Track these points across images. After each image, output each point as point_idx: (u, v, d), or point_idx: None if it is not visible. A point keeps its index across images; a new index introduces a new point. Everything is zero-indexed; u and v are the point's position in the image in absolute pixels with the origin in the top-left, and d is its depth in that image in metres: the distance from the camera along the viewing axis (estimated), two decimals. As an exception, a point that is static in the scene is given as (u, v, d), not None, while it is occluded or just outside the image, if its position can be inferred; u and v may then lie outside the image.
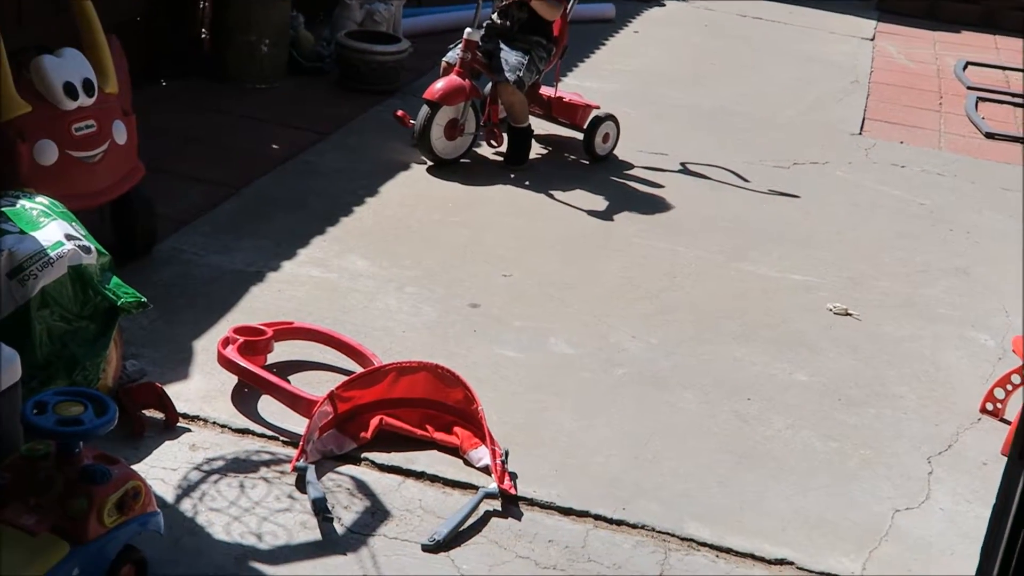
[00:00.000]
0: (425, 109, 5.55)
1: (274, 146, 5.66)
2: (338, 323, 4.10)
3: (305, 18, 6.87)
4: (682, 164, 6.14)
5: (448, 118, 5.60)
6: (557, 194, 5.56)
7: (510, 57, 5.66)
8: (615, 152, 6.12)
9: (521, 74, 5.64)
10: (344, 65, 6.57)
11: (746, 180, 6.04)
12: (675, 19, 9.32)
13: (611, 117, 6.01)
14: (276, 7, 6.39)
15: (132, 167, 4.27)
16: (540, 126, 6.21)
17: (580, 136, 6.04)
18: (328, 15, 7.15)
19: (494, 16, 5.82)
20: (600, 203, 5.54)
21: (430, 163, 5.64)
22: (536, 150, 6.06)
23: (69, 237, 3.41)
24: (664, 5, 9.64)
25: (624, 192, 5.72)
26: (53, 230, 3.41)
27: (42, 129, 3.92)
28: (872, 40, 9.30)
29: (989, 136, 7.23)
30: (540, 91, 6.07)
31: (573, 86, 7.17)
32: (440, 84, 5.57)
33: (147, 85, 5.90)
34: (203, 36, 6.62)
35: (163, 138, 5.38)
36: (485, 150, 5.98)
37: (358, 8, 6.98)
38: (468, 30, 5.60)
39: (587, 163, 6.00)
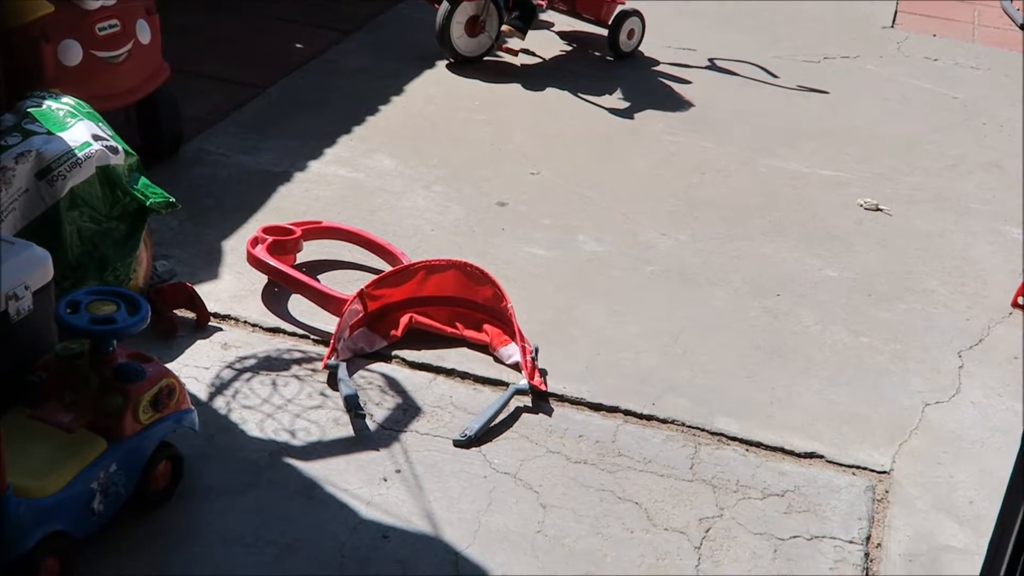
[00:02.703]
0: (445, 5, 5.48)
1: (298, 45, 5.61)
2: (366, 222, 4.10)
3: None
4: (710, 60, 6.06)
5: (468, 14, 5.52)
6: (583, 92, 5.50)
7: None
8: (641, 49, 6.04)
9: None
10: (367, -38, 6.47)
11: (775, 75, 5.95)
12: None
13: (636, 12, 5.91)
14: (297, -97, 6.30)
15: (157, 67, 4.24)
16: (563, 22, 6.13)
17: (604, 32, 5.94)
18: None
19: None
20: (627, 101, 5.47)
21: (453, 60, 5.58)
22: (560, 47, 5.97)
23: (96, 137, 3.40)
24: None
25: (651, 89, 5.65)
26: (80, 130, 3.40)
27: (66, 29, 3.89)
28: (905, -70, 9.09)
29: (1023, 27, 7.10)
30: None
31: (599, -19, 7.06)
32: None
33: (169, -16, 5.84)
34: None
35: (186, 38, 5.34)
36: (521, 47, 5.91)
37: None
38: None
39: (612, 60, 5.91)
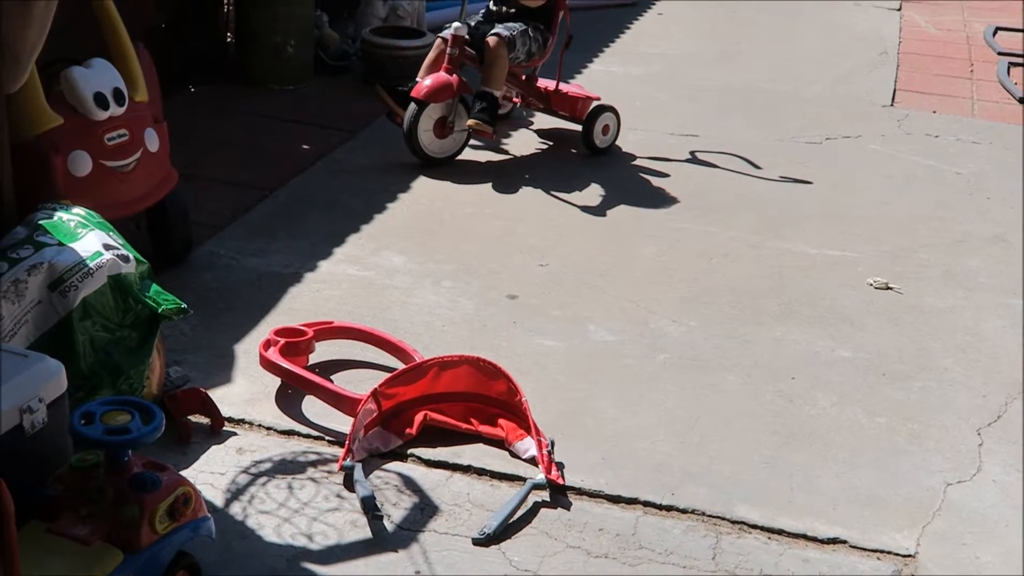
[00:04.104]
0: (412, 107, 5.43)
1: (304, 146, 5.67)
2: (377, 320, 4.11)
3: (329, 17, 6.87)
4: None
5: (436, 116, 5.51)
6: (587, 182, 5.54)
7: (503, 27, 5.58)
8: (640, 136, 6.09)
9: (514, 35, 5.52)
10: (370, 62, 6.56)
11: (778, 157, 6.00)
12: (698, -1, 9.26)
13: (611, 108, 5.88)
14: (300, 7, 6.40)
15: (166, 174, 4.28)
16: (543, 121, 6.16)
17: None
18: (352, 13, 7.15)
19: (491, 3, 5.78)
20: (631, 188, 5.51)
21: (422, 163, 5.53)
22: (536, 144, 5.99)
23: (107, 247, 3.43)
24: (687, -15, 9.57)
25: (654, 175, 5.69)
26: (91, 240, 3.43)
27: (75, 140, 3.94)
28: (899, 10, 9.21)
29: (1022, 101, 7.14)
30: (538, 84, 5.96)
31: (599, 71, 7.16)
32: (427, 81, 5.46)
33: (176, 91, 5.92)
34: (228, 39, 6.64)
35: (194, 143, 5.40)
36: (510, 144, 5.97)
37: (381, 4, 6.97)
38: (455, 24, 5.50)
39: (604, 154, 5.88)
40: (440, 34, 5.66)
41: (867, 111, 6.84)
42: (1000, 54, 8.06)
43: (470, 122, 5.46)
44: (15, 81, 1.61)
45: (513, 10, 5.69)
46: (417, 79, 5.63)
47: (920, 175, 5.93)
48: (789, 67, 7.58)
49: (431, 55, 5.68)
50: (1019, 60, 7.94)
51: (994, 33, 8.56)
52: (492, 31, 5.53)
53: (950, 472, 3.54)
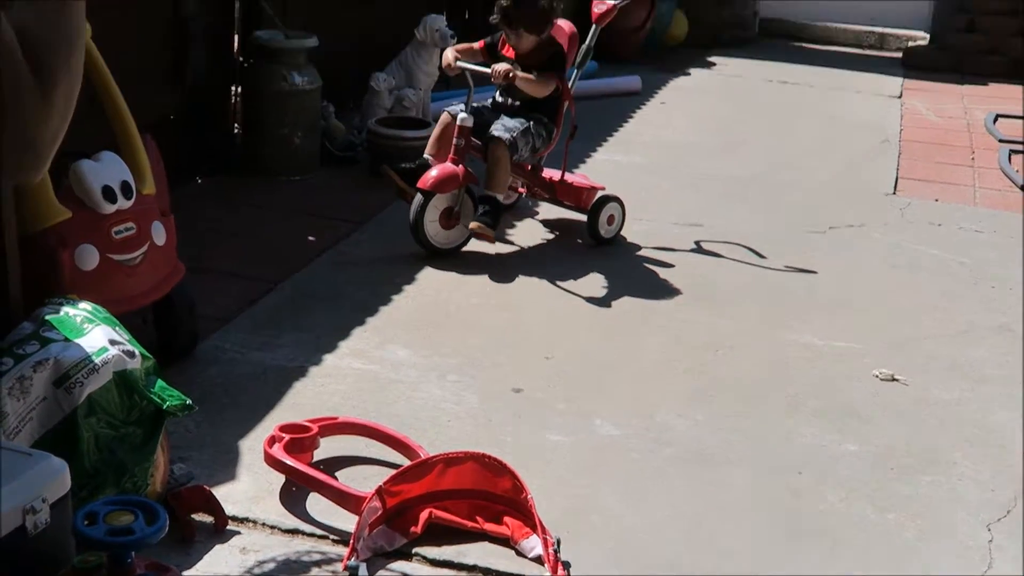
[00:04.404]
0: (418, 198, 5.47)
1: (310, 238, 5.70)
2: (382, 415, 4.09)
3: (335, 107, 6.95)
4: (716, 234, 6.13)
5: (443, 206, 5.56)
6: (592, 273, 5.55)
7: (507, 122, 5.66)
8: (647, 226, 6.12)
9: (515, 136, 5.58)
10: (376, 152, 6.62)
11: (783, 246, 6.02)
12: (701, 87, 9.36)
13: (616, 198, 5.92)
14: (307, 99, 6.47)
15: (172, 267, 4.29)
16: (548, 211, 6.20)
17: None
18: (357, 103, 7.23)
19: (497, 95, 5.85)
20: (636, 279, 5.53)
21: (427, 254, 5.55)
22: (542, 234, 6.03)
23: (113, 342, 3.43)
24: (689, 74, 9.69)
25: (660, 266, 5.71)
26: (97, 336, 3.43)
27: (82, 234, 3.95)
28: (899, 98, 9.31)
29: (1024, 189, 7.20)
30: (543, 174, 6.01)
31: (602, 160, 7.22)
32: (433, 172, 5.50)
33: (183, 183, 5.97)
34: (235, 131, 6.71)
35: (201, 235, 5.43)
36: (515, 235, 6.00)
37: (387, 94, 7.05)
38: (462, 115, 5.57)
39: (608, 245, 5.91)
40: (447, 108, 5.72)
41: (870, 200, 6.88)
42: (1001, 141, 8.13)
43: (472, 225, 5.49)
44: (36, 172, 1.64)
45: (519, 102, 5.75)
46: (425, 154, 5.69)
47: (924, 264, 5.95)
48: (792, 156, 7.64)
49: (437, 130, 5.76)
50: (1020, 147, 8.00)
51: (995, 120, 8.65)
52: (495, 133, 5.58)
53: (961, 569, 3.50)
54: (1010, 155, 7.82)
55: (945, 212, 6.74)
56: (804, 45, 10.91)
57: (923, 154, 7.86)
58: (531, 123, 5.68)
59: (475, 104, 5.70)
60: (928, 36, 10.61)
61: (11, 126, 1.65)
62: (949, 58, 10.20)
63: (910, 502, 3.84)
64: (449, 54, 5.77)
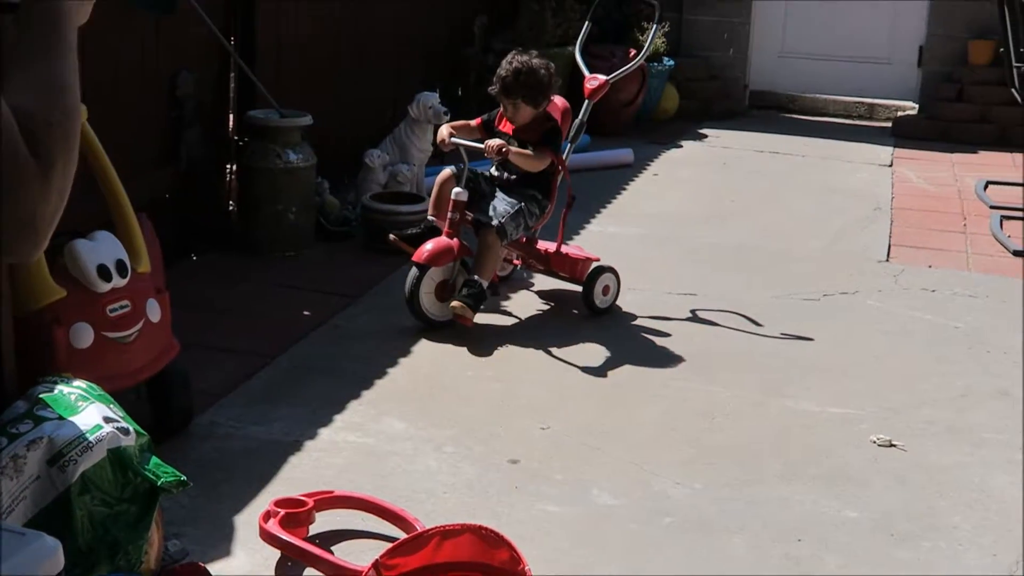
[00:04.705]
0: (413, 271, 5.49)
1: (305, 313, 5.71)
2: (378, 488, 4.07)
3: (330, 183, 6.99)
4: (711, 303, 6.14)
5: (438, 279, 5.57)
6: (588, 343, 5.56)
7: (499, 204, 5.69)
8: (639, 296, 6.13)
9: (504, 222, 5.61)
10: (370, 227, 6.65)
11: (777, 314, 6.03)
12: (693, 159, 9.43)
13: (611, 269, 5.95)
14: (301, 176, 6.51)
15: (167, 344, 4.30)
16: (543, 283, 6.22)
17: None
18: (352, 179, 7.28)
19: (493, 168, 5.89)
20: (632, 348, 5.53)
21: (424, 326, 5.55)
22: (537, 305, 6.04)
23: (107, 419, 3.42)
24: (681, 146, 9.77)
25: (656, 335, 5.72)
26: (91, 413, 3.42)
27: (77, 313, 3.97)
28: (890, 166, 9.37)
29: (1017, 254, 7.22)
30: (538, 246, 6.03)
31: (595, 232, 7.26)
32: (429, 245, 5.53)
33: (178, 261, 5.99)
34: (231, 208, 6.75)
35: (196, 312, 5.43)
36: (511, 306, 6.01)
37: (381, 170, 7.10)
38: (456, 190, 5.61)
39: (605, 314, 5.91)
40: (447, 166, 5.77)
41: (863, 267, 6.91)
42: (992, 208, 8.17)
43: (454, 304, 5.46)
44: (35, 251, 1.64)
45: (514, 176, 5.79)
46: (428, 215, 5.76)
47: (919, 330, 5.95)
48: (784, 225, 7.68)
49: (436, 188, 5.81)
50: (1012, 213, 8.04)
51: (985, 187, 8.70)
52: (484, 220, 5.61)
53: (964, 636, 3.47)
54: (1002, 221, 7.86)
55: (939, 278, 6.76)
56: (794, 116, 10.99)
57: (915, 221, 7.91)
58: (523, 203, 5.71)
59: (475, 171, 5.74)
60: (917, 106, 10.71)
61: (9, 205, 1.66)
62: (938, 127, 10.28)
63: (911, 568, 3.81)
64: (444, 130, 5.82)
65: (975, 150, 9.96)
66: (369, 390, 4.90)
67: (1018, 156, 9.75)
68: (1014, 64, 7.93)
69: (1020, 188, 8.75)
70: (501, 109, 5.82)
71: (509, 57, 5.76)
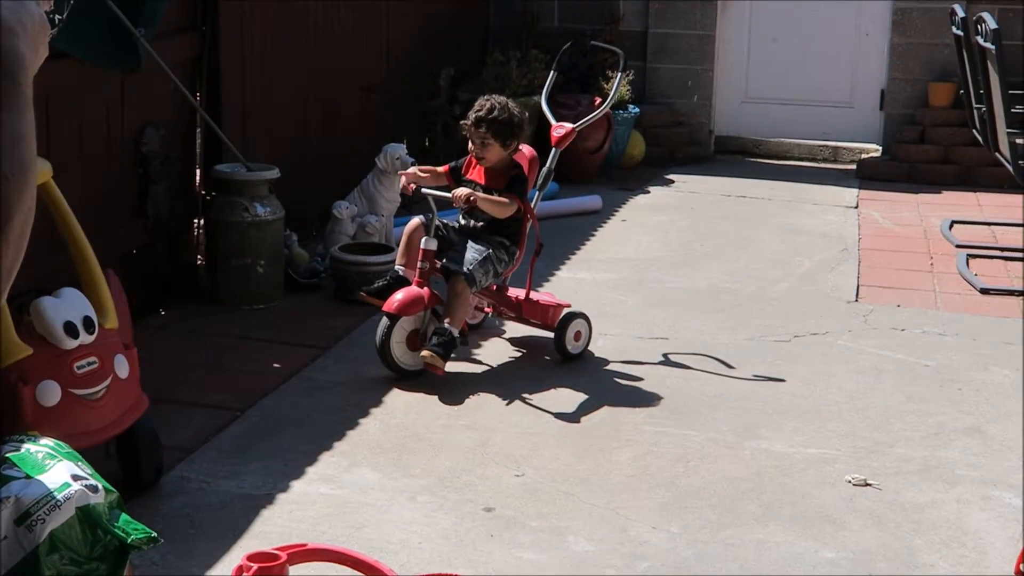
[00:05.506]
0: (384, 321, 5.47)
1: (275, 365, 5.67)
2: (352, 540, 4.03)
3: (298, 235, 6.98)
4: (682, 346, 6.14)
5: (409, 328, 5.56)
6: (561, 389, 5.55)
7: (468, 252, 5.69)
8: (611, 342, 6.13)
9: (473, 269, 5.61)
10: (339, 278, 6.64)
11: (749, 356, 6.03)
12: (661, 204, 9.47)
13: (582, 315, 5.96)
14: (269, 229, 6.49)
15: (135, 400, 4.26)
16: (515, 330, 6.22)
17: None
18: (320, 230, 7.27)
19: (460, 217, 5.89)
20: (605, 394, 5.52)
21: (395, 376, 5.53)
22: (509, 352, 6.03)
23: (76, 477, 3.36)
24: (649, 192, 9.81)
25: (628, 379, 5.71)
26: (59, 471, 3.36)
27: (44, 370, 3.93)
28: (856, 208, 9.44)
29: (984, 292, 7.27)
30: (508, 293, 6.03)
31: (566, 278, 7.26)
32: (399, 295, 5.52)
33: (147, 316, 5.95)
34: (198, 263, 6.72)
35: (165, 367, 5.39)
36: (482, 354, 6.00)
37: (350, 222, 7.10)
38: (425, 239, 5.61)
39: (576, 360, 5.91)
40: (416, 216, 5.76)
41: (832, 308, 6.93)
42: (959, 247, 8.24)
43: (424, 354, 5.42)
44: (-11, 305, 1.62)
45: (481, 223, 5.79)
46: (396, 265, 5.75)
47: (890, 369, 5.97)
48: (753, 268, 7.71)
49: (404, 237, 5.81)
50: (977, 252, 8.11)
51: (950, 227, 8.77)
52: (453, 268, 5.61)
53: (946, 674, 3.45)
54: (968, 259, 7.92)
55: (908, 317, 6.79)
56: (760, 160, 11.08)
57: (883, 261, 7.95)
58: (491, 250, 5.71)
59: (443, 221, 5.74)
60: (880, 148, 10.81)
61: (-35, 260, 1.64)
62: (902, 168, 10.37)
63: (890, 607, 3.80)
64: (408, 175, 5.81)
65: (939, 190, 10.05)
66: (341, 441, 4.86)
67: (982, 195, 9.84)
68: (974, 105, 8.02)
69: (985, 227, 8.84)
70: (469, 155, 5.84)
71: (485, 96, 5.80)
